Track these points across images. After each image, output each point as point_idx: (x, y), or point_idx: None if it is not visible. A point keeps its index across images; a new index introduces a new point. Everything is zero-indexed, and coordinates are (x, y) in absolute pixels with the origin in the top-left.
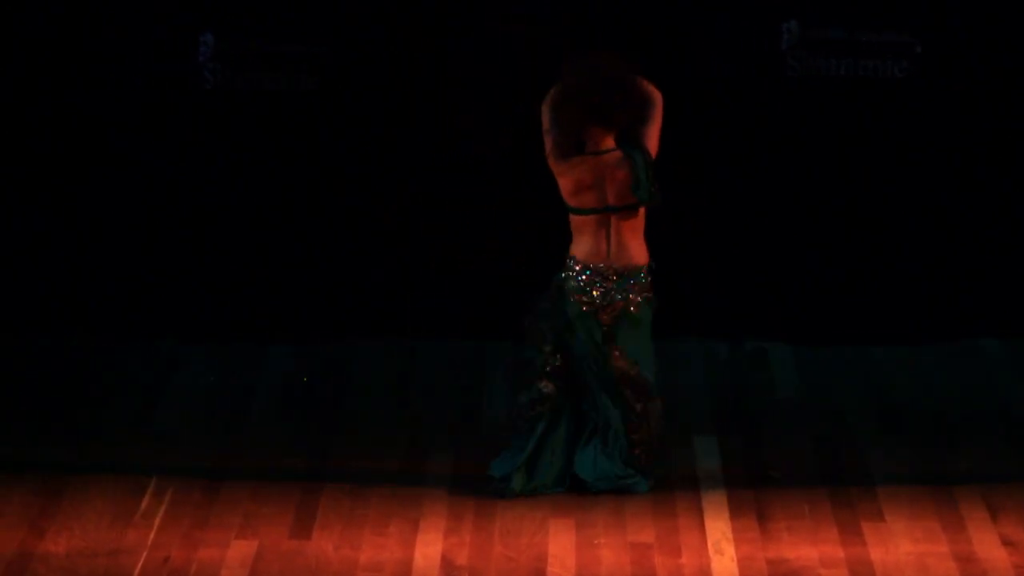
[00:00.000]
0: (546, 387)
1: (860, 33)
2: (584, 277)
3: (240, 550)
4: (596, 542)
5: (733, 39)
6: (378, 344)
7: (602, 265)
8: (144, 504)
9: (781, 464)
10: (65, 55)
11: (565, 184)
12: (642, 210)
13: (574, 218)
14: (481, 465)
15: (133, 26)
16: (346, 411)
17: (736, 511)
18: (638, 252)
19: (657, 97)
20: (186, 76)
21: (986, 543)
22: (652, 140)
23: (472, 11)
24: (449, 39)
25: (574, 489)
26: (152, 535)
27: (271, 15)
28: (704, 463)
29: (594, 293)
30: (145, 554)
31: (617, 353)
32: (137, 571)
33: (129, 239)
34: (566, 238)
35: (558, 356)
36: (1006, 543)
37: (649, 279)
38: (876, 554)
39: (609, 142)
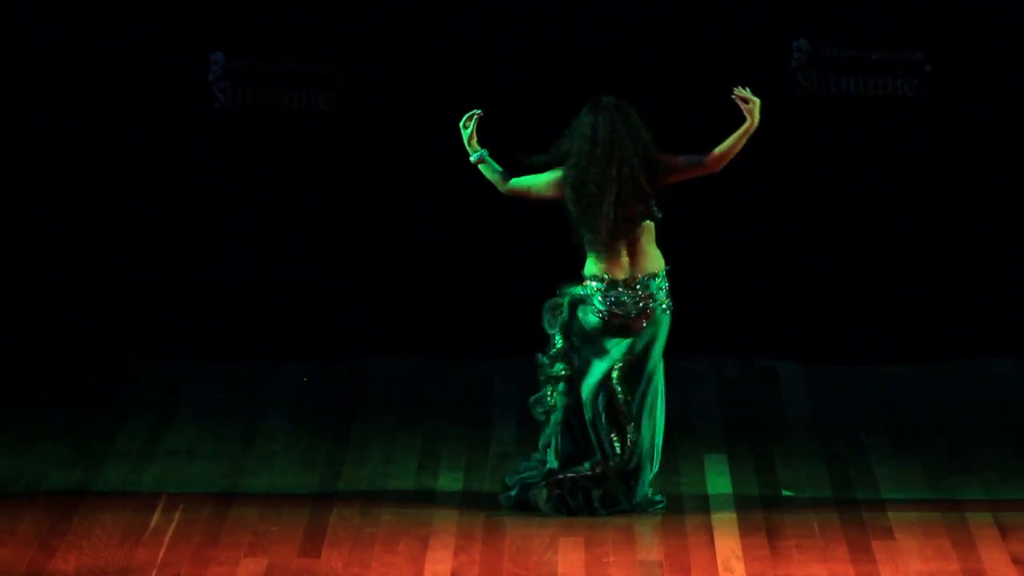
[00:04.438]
0: (557, 392)
1: (870, 51)
2: (613, 293)
3: (250, 568)
4: (606, 560)
5: (743, 57)
6: (389, 362)
7: (625, 276)
8: (154, 522)
9: (791, 482)
10: (75, 73)
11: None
12: (651, 223)
13: (589, 236)
14: (492, 483)
15: (143, 47)
16: (356, 429)
17: (746, 529)
18: (655, 259)
19: (675, 161)
20: (197, 95)
21: (996, 561)
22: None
23: (483, 25)
24: (461, 57)
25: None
26: (162, 553)
27: (282, 34)
28: (714, 481)
29: (627, 303)
30: (155, 572)
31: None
32: None
33: (140, 258)
34: (574, 256)
35: (567, 368)
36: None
37: (667, 283)
38: (886, 572)
39: None
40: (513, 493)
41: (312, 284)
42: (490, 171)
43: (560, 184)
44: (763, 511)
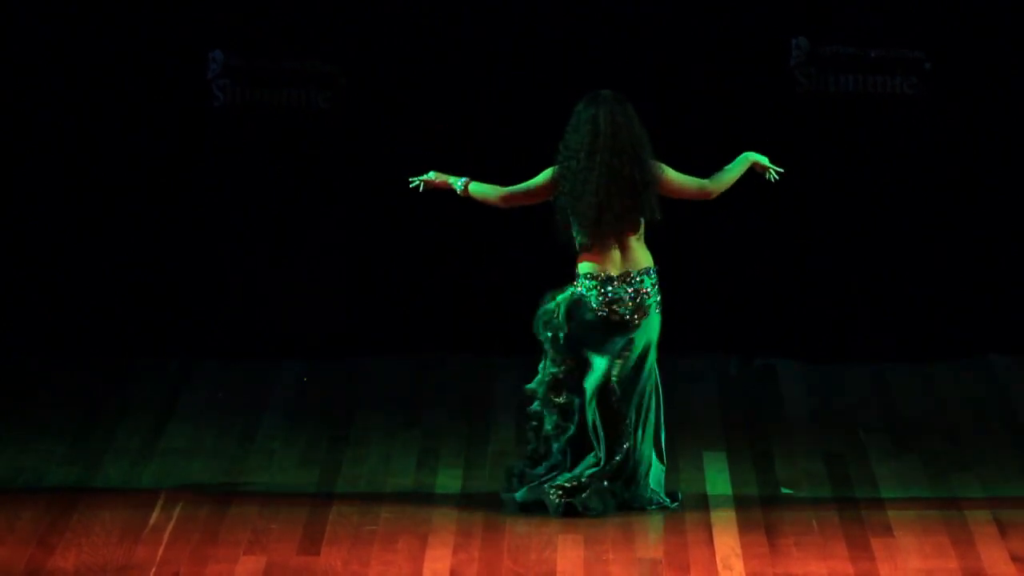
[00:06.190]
0: (565, 398)
1: (869, 49)
2: (608, 289)
3: (249, 566)
4: (605, 558)
5: (743, 56)
6: (388, 361)
7: (618, 272)
8: (153, 520)
9: (790, 480)
10: (75, 73)
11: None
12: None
13: (579, 231)
14: (491, 481)
15: (143, 46)
16: (355, 427)
17: (745, 527)
18: (644, 256)
19: (671, 174)
20: (196, 93)
21: (995, 559)
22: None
23: (483, 25)
24: (461, 57)
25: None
26: (161, 551)
27: (282, 33)
28: (713, 479)
29: (623, 298)
30: (154, 570)
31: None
32: None
33: (140, 258)
34: (570, 254)
35: (573, 370)
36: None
37: (658, 281)
38: (885, 569)
39: None
40: (518, 497)
41: (312, 284)
42: (481, 190)
43: (556, 177)
44: (762, 509)
